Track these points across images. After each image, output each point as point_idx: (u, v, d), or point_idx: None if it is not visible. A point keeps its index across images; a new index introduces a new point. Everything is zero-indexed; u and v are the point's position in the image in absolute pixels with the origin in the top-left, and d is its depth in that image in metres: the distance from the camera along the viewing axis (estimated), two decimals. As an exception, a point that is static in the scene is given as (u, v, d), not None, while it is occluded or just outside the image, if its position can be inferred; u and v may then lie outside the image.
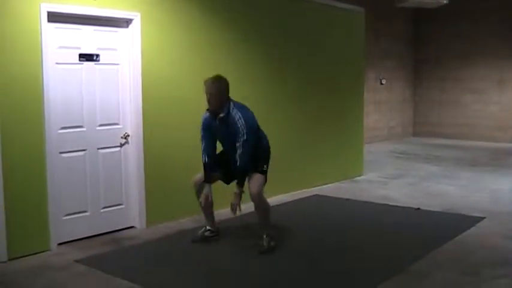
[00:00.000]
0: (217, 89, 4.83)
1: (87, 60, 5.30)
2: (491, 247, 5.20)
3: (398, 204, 6.89)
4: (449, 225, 5.97)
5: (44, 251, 5.00)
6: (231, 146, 4.92)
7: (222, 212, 5.69)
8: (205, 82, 4.87)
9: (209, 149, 5.05)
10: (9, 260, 4.76)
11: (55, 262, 4.77)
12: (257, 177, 4.93)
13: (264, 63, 7.07)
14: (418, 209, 6.64)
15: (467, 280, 4.36)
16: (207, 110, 5.01)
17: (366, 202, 7.05)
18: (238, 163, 4.83)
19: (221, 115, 4.87)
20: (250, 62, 6.91)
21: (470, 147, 12.51)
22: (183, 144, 6.05)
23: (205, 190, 5.04)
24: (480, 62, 13.48)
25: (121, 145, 5.64)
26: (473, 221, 6.05)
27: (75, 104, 5.25)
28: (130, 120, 5.66)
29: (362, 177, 8.75)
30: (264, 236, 5.02)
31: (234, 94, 6.67)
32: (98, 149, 5.46)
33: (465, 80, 13.76)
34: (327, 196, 7.35)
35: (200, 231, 5.35)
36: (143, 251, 5.15)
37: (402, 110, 14.33)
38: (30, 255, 4.90)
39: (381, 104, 13.56)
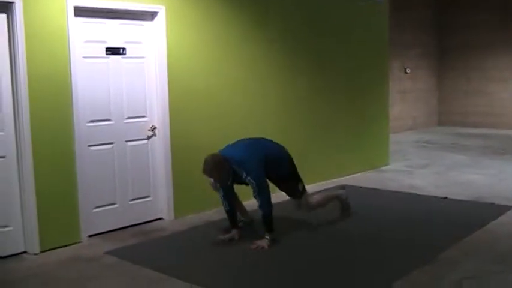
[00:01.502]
0: (217, 173, 4.78)
1: (114, 53, 5.35)
2: (521, 236, 5.15)
3: (426, 194, 6.84)
4: (477, 214, 5.91)
5: (74, 243, 5.07)
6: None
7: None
8: (204, 172, 4.81)
9: (229, 196, 5.10)
10: (41, 252, 4.85)
11: (86, 254, 4.84)
12: (302, 202, 5.34)
13: (289, 56, 7.05)
14: (446, 198, 6.58)
15: (498, 269, 4.32)
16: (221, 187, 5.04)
17: (393, 192, 7.01)
18: (262, 213, 4.89)
19: (229, 183, 4.96)
20: (275, 55, 6.90)
21: (496, 136, 12.34)
22: (209, 136, 6.07)
23: (233, 233, 5.12)
24: (506, 50, 13.26)
25: (148, 138, 5.69)
26: (501, 210, 5.99)
27: (103, 98, 5.30)
28: (157, 113, 5.70)
29: (388, 166, 8.69)
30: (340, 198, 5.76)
31: (259, 85, 6.70)
32: (126, 141, 5.52)
33: (490, 68, 13.56)
34: (354, 186, 7.32)
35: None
36: (172, 242, 5.19)
37: (427, 99, 14.19)
38: (62, 247, 4.98)
39: (406, 93, 13.44)
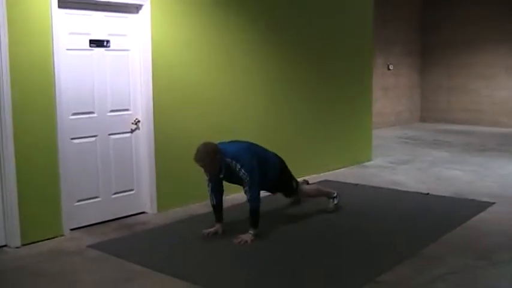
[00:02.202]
0: (209, 159, 4.76)
1: (98, 46, 5.30)
2: (502, 232, 5.20)
3: (408, 189, 6.89)
4: (459, 210, 5.97)
5: (56, 237, 5.03)
6: (239, 183, 4.99)
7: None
8: (195, 159, 4.77)
9: (216, 191, 5.08)
10: (23, 245, 4.80)
11: (68, 247, 4.80)
12: (298, 195, 5.70)
13: (273, 48, 7.04)
14: (428, 194, 6.64)
15: (480, 264, 4.37)
16: (209, 179, 5.04)
17: (375, 187, 7.05)
18: (249, 207, 4.89)
19: (221, 176, 4.94)
20: (260, 47, 6.89)
21: (478, 132, 12.47)
22: (193, 130, 6.05)
23: (216, 227, 5.11)
24: (488, 47, 13.39)
25: (132, 131, 5.65)
26: (483, 206, 6.05)
27: (86, 90, 5.25)
28: (141, 106, 5.67)
29: (371, 162, 8.74)
30: (331, 200, 5.82)
31: (243, 78, 6.69)
32: (109, 134, 5.47)
33: (473, 65, 13.68)
34: (336, 181, 7.35)
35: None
36: (155, 236, 5.17)
37: (410, 95, 14.28)
38: (43, 240, 4.93)
39: (389, 89, 13.52)
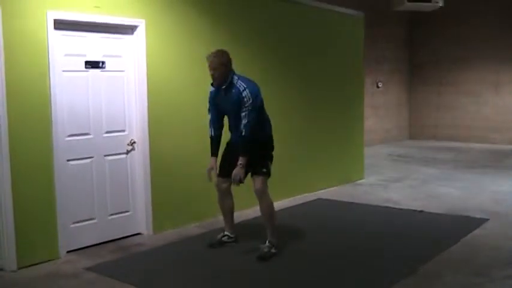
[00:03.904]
0: (220, 63, 4.85)
1: (93, 67, 5.30)
2: (498, 248, 5.24)
3: (401, 207, 6.92)
4: (454, 227, 6.00)
5: (53, 259, 4.97)
6: (237, 118, 4.93)
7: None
8: (208, 57, 4.89)
9: (215, 122, 5.14)
10: (19, 268, 4.73)
11: (65, 270, 4.75)
12: (260, 178, 4.96)
13: (265, 67, 7.07)
14: (422, 211, 6.67)
15: (478, 281, 4.39)
16: (212, 84, 5.06)
17: (369, 205, 7.08)
18: (243, 133, 4.84)
19: (223, 87, 4.94)
20: (252, 67, 6.90)
21: (467, 149, 12.58)
22: (189, 150, 6.06)
23: (211, 163, 5.12)
24: (476, 64, 13.57)
25: (127, 152, 5.64)
26: (477, 222, 6.09)
27: (82, 111, 5.24)
28: (136, 127, 5.66)
29: (363, 180, 8.78)
30: (267, 242, 5.00)
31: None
32: (105, 156, 5.45)
33: (461, 83, 13.85)
34: (330, 200, 7.37)
35: (219, 236, 5.36)
36: (152, 257, 5.14)
37: (398, 113, 14.40)
38: (40, 263, 4.87)
39: (378, 107, 13.61)
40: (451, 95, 14.04)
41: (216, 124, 5.14)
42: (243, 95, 4.84)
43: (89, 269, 4.77)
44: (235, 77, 4.93)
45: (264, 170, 4.97)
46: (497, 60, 13.25)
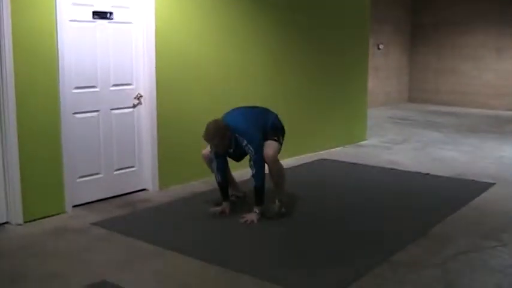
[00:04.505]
0: (219, 137, 4.65)
1: (101, 18, 5.13)
2: (506, 212, 5.22)
3: (407, 169, 6.88)
4: (461, 190, 5.97)
5: (59, 214, 4.91)
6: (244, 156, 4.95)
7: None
8: (205, 138, 4.68)
9: (223, 167, 4.95)
10: (25, 222, 4.67)
11: (72, 225, 4.69)
12: (272, 143, 4.89)
13: (270, 28, 6.90)
14: (428, 174, 6.63)
15: (490, 244, 4.36)
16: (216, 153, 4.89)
17: (374, 167, 7.02)
18: (254, 184, 4.78)
19: (231, 150, 4.84)
20: (262, 26, 6.78)
21: (467, 114, 12.53)
22: (197, 106, 5.96)
23: (223, 206, 5.00)
24: (478, 29, 13.40)
25: (134, 106, 5.51)
26: (484, 186, 6.06)
27: (89, 64, 5.10)
28: (144, 81, 5.53)
29: (365, 141, 8.72)
30: (276, 201, 4.96)
31: (246, 56, 6.58)
32: (111, 109, 5.33)
33: (462, 46, 13.70)
34: (333, 160, 7.31)
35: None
36: (160, 213, 5.08)
37: (399, 75, 14.27)
38: (46, 217, 4.81)
39: (378, 69, 13.47)
40: (451, 59, 13.90)
41: (223, 169, 4.95)
42: (246, 149, 4.75)
43: (96, 224, 4.71)
44: (235, 134, 4.71)
45: (275, 138, 4.94)
46: (499, 25, 13.08)
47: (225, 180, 5.00)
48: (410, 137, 9.20)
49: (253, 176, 4.78)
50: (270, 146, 4.86)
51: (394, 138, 9.13)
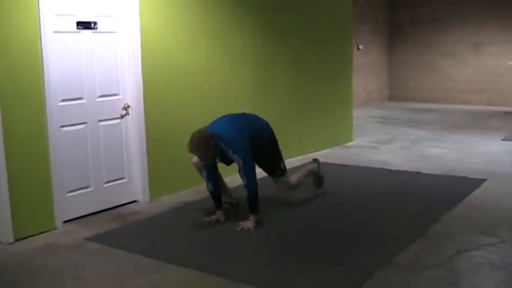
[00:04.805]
0: (204, 148, 4.53)
1: (85, 28, 5.01)
2: (501, 208, 5.23)
3: (398, 169, 6.86)
4: (454, 187, 5.97)
5: (50, 230, 4.77)
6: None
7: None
8: (190, 150, 4.57)
9: (213, 176, 4.88)
10: (16, 240, 4.53)
11: (64, 241, 4.56)
12: (282, 181, 5.11)
13: (250, 31, 6.81)
14: (419, 173, 6.62)
15: (490, 241, 4.35)
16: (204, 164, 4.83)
17: (365, 167, 6.99)
18: (247, 193, 4.71)
19: (217, 160, 4.77)
20: (245, 30, 6.71)
21: (448, 110, 12.61)
22: (185, 114, 5.86)
23: (218, 214, 4.92)
24: (455, 25, 13.51)
25: (121, 116, 5.40)
26: (476, 183, 6.07)
27: (74, 74, 4.97)
28: (130, 91, 5.42)
29: (352, 142, 8.70)
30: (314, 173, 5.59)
31: (232, 61, 6.50)
32: (99, 121, 5.21)
33: (440, 44, 13.79)
34: (325, 163, 7.24)
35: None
36: (153, 225, 4.98)
37: (378, 74, 14.32)
38: (37, 234, 4.67)
39: (358, 69, 13.46)
40: (430, 57, 13.99)
41: (213, 178, 4.88)
42: (234, 158, 4.69)
43: (89, 239, 4.59)
44: (220, 144, 4.62)
45: (279, 172, 5.08)
46: (476, 21, 13.20)
47: (217, 189, 4.92)
48: (396, 136, 9.20)
49: (245, 186, 4.70)
50: (281, 184, 5.13)
51: (380, 137, 9.12)
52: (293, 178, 5.27)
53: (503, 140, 8.68)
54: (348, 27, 8.68)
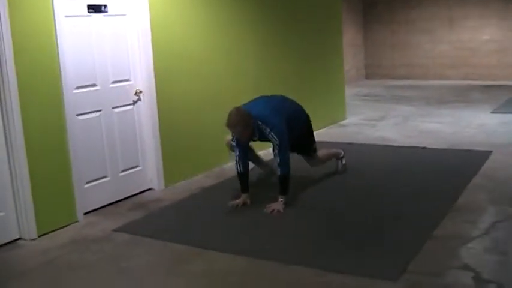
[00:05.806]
0: (243, 124, 4.51)
1: (96, 11, 4.81)
2: (518, 178, 5.29)
3: (401, 145, 6.87)
4: (463, 160, 5.99)
5: (71, 223, 4.59)
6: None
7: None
8: (228, 125, 4.53)
9: (243, 158, 4.79)
10: (39, 236, 4.33)
11: (91, 233, 4.39)
12: (314, 158, 5.33)
13: (246, 18, 6.67)
14: (425, 148, 6.64)
15: (522, 211, 4.40)
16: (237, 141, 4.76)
17: (370, 145, 6.98)
18: (279, 172, 4.66)
19: (255, 138, 4.74)
20: (252, 17, 6.67)
21: (427, 86, 12.72)
22: (197, 98, 5.74)
23: (244, 197, 4.83)
24: (429, 1, 13.61)
25: (134, 102, 5.23)
26: (484, 155, 6.12)
27: (87, 60, 4.77)
28: (142, 75, 5.24)
29: (346, 121, 8.69)
30: (339, 161, 5.68)
31: (237, 46, 6.36)
32: (113, 108, 5.03)
33: (415, 20, 13.89)
34: (327, 142, 7.20)
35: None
36: (177, 212, 4.85)
37: (354, 53, 14.33)
38: (59, 229, 4.48)
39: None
40: (405, 34, 14.09)
41: (244, 160, 4.81)
42: (270, 137, 4.61)
43: (117, 230, 4.43)
44: (258, 124, 4.58)
45: (312, 152, 5.30)
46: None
47: (247, 171, 4.83)
48: (386, 113, 9.23)
49: (278, 164, 4.63)
50: (313, 161, 5.35)
51: (372, 115, 9.14)
52: (322, 154, 5.46)
53: (492, 112, 8.80)
54: (337, 7, 8.62)
